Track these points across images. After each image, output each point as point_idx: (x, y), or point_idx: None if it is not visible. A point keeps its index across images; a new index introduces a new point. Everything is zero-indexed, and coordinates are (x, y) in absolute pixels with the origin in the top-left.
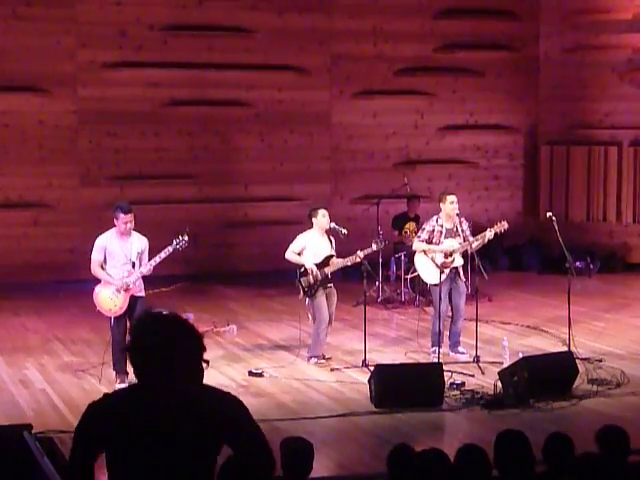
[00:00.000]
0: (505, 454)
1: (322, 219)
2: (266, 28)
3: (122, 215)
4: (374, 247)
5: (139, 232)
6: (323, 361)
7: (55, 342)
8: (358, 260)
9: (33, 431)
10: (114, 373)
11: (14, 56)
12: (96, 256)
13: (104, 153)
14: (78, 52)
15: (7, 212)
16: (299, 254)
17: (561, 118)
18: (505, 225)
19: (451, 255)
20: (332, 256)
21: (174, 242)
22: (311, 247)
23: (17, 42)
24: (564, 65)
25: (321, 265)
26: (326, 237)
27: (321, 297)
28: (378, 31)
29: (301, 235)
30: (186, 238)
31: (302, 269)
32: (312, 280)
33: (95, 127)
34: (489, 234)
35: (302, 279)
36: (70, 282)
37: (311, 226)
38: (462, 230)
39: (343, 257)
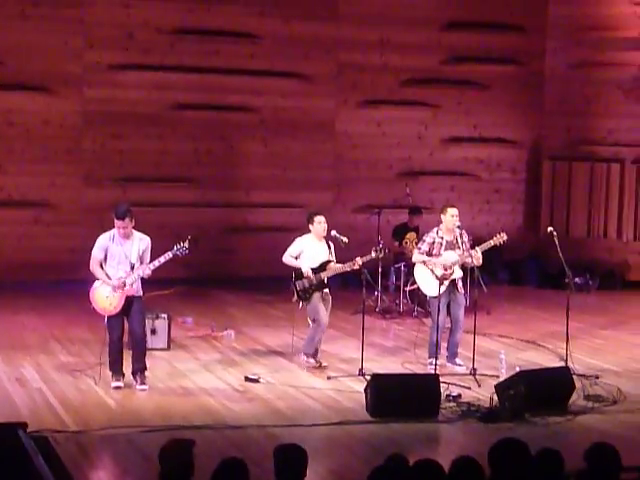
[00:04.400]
0: (501, 463)
1: (317, 226)
2: (272, 34)
3: (115, 220)
4: (373, 255)
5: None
6: (313, 361)
7: (53, 341)
8: (356, 267)
9: (28, 430)
10: (110, 373)
11: (21, 55)
12: (97, 253)
13: (108, 154)
14: (85, 53)
15: (9, 210)
16: (296, 258)
17: (565, 134)
18: (504, 237)
19: (450, 267)
20: (330, 261)
21: (174, 248)
22: (308, 251)
23: (25, 41)
24: (569, 81)
25: (318, 269)
26: (324, 242)
27: (317, 301)
28: (385, 41)
29: (298, 239)
30: (187, 245)
31: (297, 272)
32: (307, 284)
33: (100, 128)
34: (486, 245)
35: (297, 282)
36: (70, 282)
37: (309, 231)
38: (462, 242)
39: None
